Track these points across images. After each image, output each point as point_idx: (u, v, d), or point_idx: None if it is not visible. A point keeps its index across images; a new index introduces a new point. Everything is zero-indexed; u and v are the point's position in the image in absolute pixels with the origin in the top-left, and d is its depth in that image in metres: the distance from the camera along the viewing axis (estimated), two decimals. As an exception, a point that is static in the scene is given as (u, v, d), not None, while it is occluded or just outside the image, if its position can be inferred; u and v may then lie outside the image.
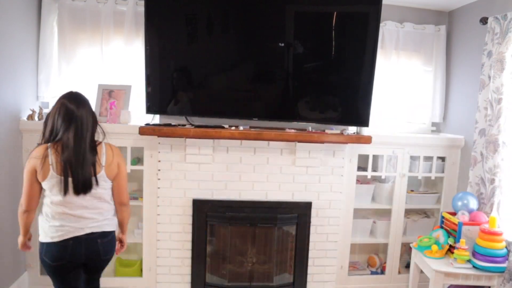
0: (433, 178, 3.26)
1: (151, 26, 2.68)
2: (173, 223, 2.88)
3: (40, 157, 1.77)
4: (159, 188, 2.85)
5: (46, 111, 2.84)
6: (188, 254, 2.91)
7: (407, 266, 3.29)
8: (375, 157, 3.22)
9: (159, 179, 2.85)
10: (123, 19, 3.00)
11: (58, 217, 1.81)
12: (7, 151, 2.62)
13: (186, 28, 2.74)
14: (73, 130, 1.79)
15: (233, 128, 2.78)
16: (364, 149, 3.06)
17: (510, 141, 2.66)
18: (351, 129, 3.01)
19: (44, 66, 2.97)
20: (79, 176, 1.79)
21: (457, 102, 3.29)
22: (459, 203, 2.78)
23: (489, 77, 2.74)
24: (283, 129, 2.90)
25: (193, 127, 2.76)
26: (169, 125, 2.78)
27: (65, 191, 1.79)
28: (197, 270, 2.91)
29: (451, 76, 3.36)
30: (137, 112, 3.04)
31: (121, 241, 2.16)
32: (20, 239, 1.96)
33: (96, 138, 1.92)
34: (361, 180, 3.25)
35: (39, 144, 1.85)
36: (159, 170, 2.83)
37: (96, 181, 1.85)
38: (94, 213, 1.88)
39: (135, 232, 3.04)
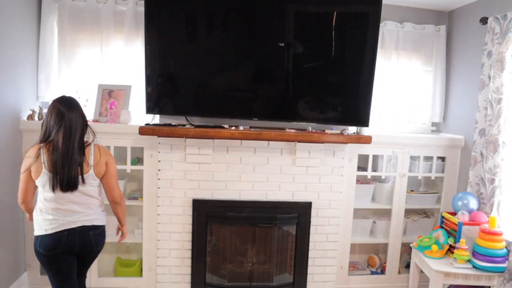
0: (433, 178, 3.26)
1: (151, 26, 2.68)
2: (173, 223, 2.88)
3: (33, 156, 1.92)
4: (159, 188, 2.85)
5: (46, 111, 2.83)
6: (188, 254, 2.91)
7: (407, 266, 3.29)
8: (375, 157, 3.22)
9: (159, 179, 2.85)
10: (123, 19, 3.00)
11: (51, 212, 1.95)
12: (7, 151, 2.62)
13: (186, 28, 2.74)
14: (63, 131, 1.93)
15: (233, 128, 2.78)
16: (364, 149, 3.06)
17: (510, 141, 2.67)
18: (351, 129, 3.01)
19: (44, 66, 2.97)
20: (64, 175, 1.92)
21: (457, 102, 3.29)
22: (459, 203, 2.78)
23: (489, 77, 2.74)
24: (283, 129, 2.90)
25: (193, 127, 2.76)
26: (169, 125, 2.78)
27: (54, 188, 1.92)
28: (197, 270, 2.91)
29: (451, 76, 3.36)
30: (137, 112, 3.04)
31: (121, 231, 2.33)
32: (28, 216, 2.14)
33: (86, 139, 2.05)
34: (361, 180, 3.25)
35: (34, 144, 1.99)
36: (159, 170, 2.83)
37: (83, 179, 1.98)
38: (84, 208, 2.01)
39: (135, 232, 3.04)
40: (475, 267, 2.52)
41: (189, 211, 2.88)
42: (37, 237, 1.97)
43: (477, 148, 2.84)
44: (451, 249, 2.68)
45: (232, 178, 2.89)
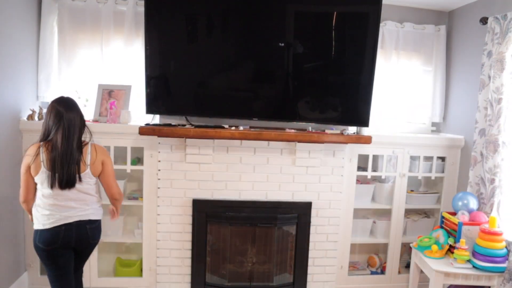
0: (433, 178, 3.26)
1: (151, 26, 2.68)
2: (173, 223, 2.88)
3: (33, 155, 1.99)
4: (159, 188, 2.85)
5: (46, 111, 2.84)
6: (188, 254, 2.91)
7: (407, 266, 3.29)
8: (375, 157, 3.22)
9: (159, 179, 2.85)
10: (123, 19, 3.00)
11: (48, 207, 2.02)
12: (7, 151, 2.62)
13: (186, 28, 2.74)
14: (62, 130, 2.00)
15: (233, 128, 2.78)
16: (364, 149, 3.06)
17: (510, 141, 2.66)
18: (351, 129, 3.01)
19: (44, 66, 2.97)
20: (64, 173, 1.99)
21: (457, 102, 3.29)
22: (459, 203, 2.78)
23: (489, 77, 2.74)
24: (283, 129, 2.90)
25: (193, 127, 2.76)
26: (169, 125, 2.78)
27: (52, 185, 1.99)
28: (197, 270, 2.91)
29: (451, 76, 3.36)
30: (137, 112, 3.04)
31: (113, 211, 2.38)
32: (30, 217, 2.16)
33: (83, 139, 2.12)
34: (361, 180, 3.25)
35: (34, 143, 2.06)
36: (159, 170, 2.83)
37: (80, 178, 2.05)
38: (81, 204, 2.09)
39: (135, 232, 3.04)
40: (475, 267, 2.52)
41: (189, 211, 2.88)
42: (36, 232, 2.04)
43: (477, 148, 2.84)
44: (451, 249, 2.68)
45: (232, 178, 2.89)
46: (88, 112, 3.00)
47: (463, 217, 2.70)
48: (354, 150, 3.05)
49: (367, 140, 2.85)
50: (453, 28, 3.35)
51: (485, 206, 2.76)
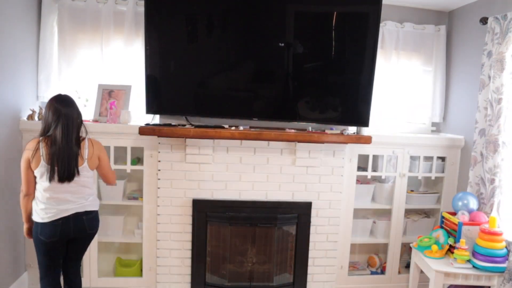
0: (433, 178, 3.26)
1: (151, 26, 2.68)
2: (173, 223, 2.88)
3: (33, 149, 2.08)
4: (159, 188, 2.85)
5: (46, 111, 2.84)
6: (188, 254, 2.91)
7: (407, 266, 3.29)
8: (375, 157, 3.22)
9: (159, 179, 2.85)
10: (123, 19, 3.00)
11: (45, 201, 2.11)
12: (7, 151, 2.62)
13: (186, 28, 2.74)
14: (60, 127, 2.09)
15: (233, 128, 2.78)
16: (364, 149, 3.06)
17: (510, 141, 2.66)
18: (351, 129, 3.01)
19: (44, 66, 2.97)
20: (64, 168, 2.09)
21: (457, 102, 3.29)
22: (459, 203, 2.78)
23: (489, 77, 2.74)
24: (283, 129, 2.90)
25: (193, 127, 2.76)
26: (169, 125, 2.78)
27: (51, 179, 2.08)
28: (197, 270, 2.92)
29: (451, 76, 3.36)
30: (137, 112, 3.04)
31: None
32: (24, 226, 2.26)
33: (80, 134, 2.21)
34: (361, 180, 3.25)
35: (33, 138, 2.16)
36: (159, 170, 2.83)
37: (78, 171, 2.14)
38: (77, 197, 2.18)
39: (135, 232, 3.04)
40: (475, 267, 2.52)
41: (189, 211, 2.88)
42: (36, 224, 2.14)
43: (477, 148, 2.84)
44: (451, 249, 2.68)
45: (232, 178, 2.89)
46: (88, 112, 3.00)
47: (463, 217, 2.70)
48: (354, 150, 3.05)
49: (367, 140, 2.85)
50: (453, 28, 3.35)
51: (485, 206, 2.76)
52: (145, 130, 2.66)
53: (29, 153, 2.08)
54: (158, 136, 2.75)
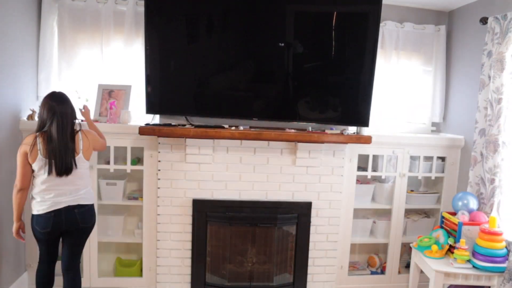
0: (433, 178, 3.26)
1: (151, 26, 2.68)
2: (173, 223, 2.88)
3: (30, 144, 2.15)
4: (159, 188, 2.85)
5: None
6: (188, 254, 2.91)
7: (407, 266, 3.29)
8: (375, 157, 3.22)
9: (159, 179, 2.85)
10: (123, 19, 3.00)
11: (43, 194, 2.19)
12: (7, 151, 2.62)
13: (186, 28, 2.74)
14: (56, 123, 2.17)
15: (233, 128, 2.78)
16: (364, 149, 3.06)
17: (510, 141, 2.66)
18: (351, 129, 3.01)
19: (44, 66, 2.97)
20: (62, 162, 2.17)
21: (457, 102, 3.29)
22: (459, 203, 2.78)
23: (489, 77, 2.74)
24: (283, 129, 2.90)
25: (193, 127, 2.76)
26: (169, 125, 2.78)
27: (49, 172, 2.16)
28: (197, 270, 2.92)
29: (451, 76, 3.36)
30: (137, 112, 3.04)
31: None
32: (14, 226, 2.31)
33: (74, 128, 2.29)
34: (361, 180, 3.25)
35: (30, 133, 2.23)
36: (159, 170, 2.83)
37: (76, 165, 2.23)
38: (72, 190, 2.25)
39: (135, 232, 3.04)
40: (475, 267, 2.52)
41: (189, 211, 2.88)
42: (33, 216, 2.24)
43: (477, 148, 2.84)
44: (451, 249, 2.68)
45: (232, 178, 2.89)
46: (88, 112, 3.00)
47: (463, 217, 2.70)
48: (354, 150, 3.05)
49: (367, 140, 2.85)
50: (453, 28, 3.35)
51: (485, 206, 2.76)
52: (145, 130, 2.66)
53: (26, 147, 2.15)
54: (158, 136, 2.75)
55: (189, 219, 2.88)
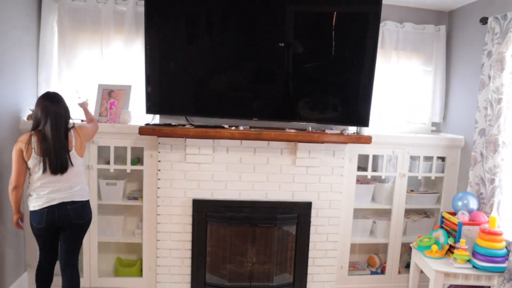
0: (433, 178, 3.26)
1: (151, 26, 2.68)
2: (173, 223, 2.88)
3: (25, 142, 2.21)
4: (159, 188, 2.85)
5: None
6: (188, 254, 2.91)
7: (407, 266, 3.29)
8: (375, 157, 3.22)
9: (159, 179, 2.85)
10: (123, 19, 3.00)
11: (39, 190, 2.24)
12: (7, 151, 2.62)
13: (186, 28, 2.74)
14: (50, 122, 2.21)
15: (233, 128, 2.78)
16: (364, 149, 3.06)
17: (510, 141, 2.66)
18: (351, 129, 3.01)
19: (44, 66, 2.97)
20: (57, 161, 2.22)
21: (457, 102, 3.29)
22: (459, 203, 2.78)
23: (489, 77, 2.74)
24: (283, 129, 2.90)
25: (193, 127, 2.76)
26: (169, 125, 2.78)
27: (44, 170, 2.21)
28: (197, 270, 2.91)
29: (451, 76, 3.36)
30: (137, 112, 3.04)
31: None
32: (14, 217, 2.38)
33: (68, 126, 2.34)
34: (361, 180, 3.25)
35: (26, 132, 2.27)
36: (159, 170, 2.83)
37: (71, 162, 2.28)
38: (67, 187, 2.29)
39: (135, 232, 3.04)
40: (475, 267, 2.52)
41: (189, 211, 2.88)
42: (30, 213, 2.29)
43: (477, 148, 2.84)
44: (451, 249, 2.68)
45: (232, 178, 2.89)
46: (88, 112, 3.00)
47: (463, 217, 2.70)
48: (354, 150, 3.05)
49: (367, 140, 2.85)
50: (453, 28, 3.35)
51: (485, 206, 2.76)
52: (145, 130, 2.66)
53: (21, 144, 2.20)
54: (158, 136, 2.75)
55: (189, 219, 2.88)
